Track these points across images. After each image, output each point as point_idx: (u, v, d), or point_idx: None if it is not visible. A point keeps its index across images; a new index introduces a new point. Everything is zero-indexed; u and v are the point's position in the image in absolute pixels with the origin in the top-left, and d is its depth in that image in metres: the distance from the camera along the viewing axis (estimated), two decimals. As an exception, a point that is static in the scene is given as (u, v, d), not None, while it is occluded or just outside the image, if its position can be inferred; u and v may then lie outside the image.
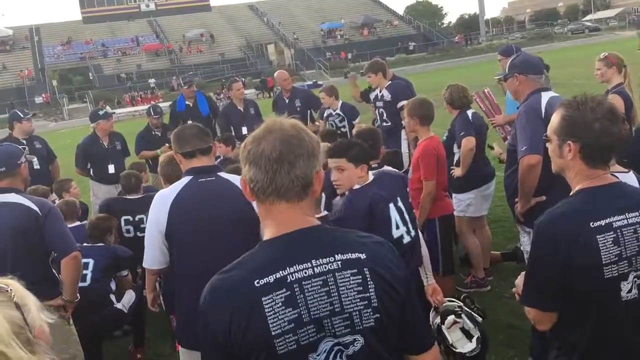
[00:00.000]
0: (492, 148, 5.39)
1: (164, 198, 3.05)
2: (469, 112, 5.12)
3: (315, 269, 1.52)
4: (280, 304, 1.48)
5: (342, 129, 7.46)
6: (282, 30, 65.31)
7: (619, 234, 2.01)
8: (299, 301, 1.49)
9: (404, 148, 6.42)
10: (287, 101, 8.12)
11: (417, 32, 67.50)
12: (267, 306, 1.47)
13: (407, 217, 3.34)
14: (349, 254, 1.55)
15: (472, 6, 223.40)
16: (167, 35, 64.57)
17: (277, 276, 1.50)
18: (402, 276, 1.62)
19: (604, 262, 2.00)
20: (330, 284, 1.51)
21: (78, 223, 5.10)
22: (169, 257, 3.07)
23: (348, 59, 57.91)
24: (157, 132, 7.84)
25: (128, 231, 5.35)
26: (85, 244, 4.60)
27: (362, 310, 1.52)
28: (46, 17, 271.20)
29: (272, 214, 1.59)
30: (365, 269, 1.54)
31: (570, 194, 2.20)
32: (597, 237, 2.00)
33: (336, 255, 1.54)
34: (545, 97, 3.76)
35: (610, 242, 2.00)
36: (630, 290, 2.04)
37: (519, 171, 3.69)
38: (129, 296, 4.73)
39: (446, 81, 5.57)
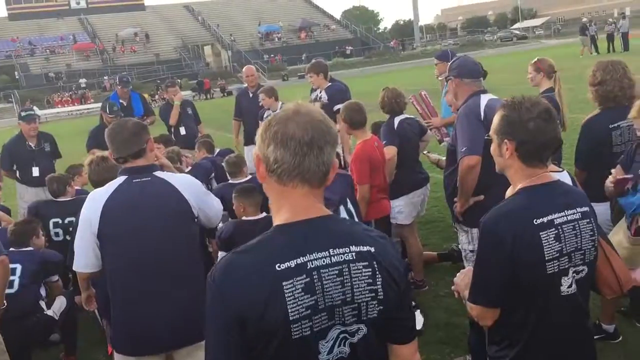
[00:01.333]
0: (427, 155, 5.42)
1: (96, 198, 2.94)
2: (397, 119, 5.12)
3: (332, 258, 1.54)
4: (300, 289, 1.49)
5: None
6: (219, 31, 64.61)
7: (560, 230, 2.08)
8: (316, 288, 1.51)
9: (339, 150, 6.44)
10: (251, 96, 8.03)
11: (354, 37, 68.31)
12: (287, 291, 1.48)
13: (356, 218, 3.32)
14: (362, 247, 1.58)
15: (406, 12, 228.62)
16: (99, 34, 62.63)
17: (298, 262, 1.51)
18: (402, 270, 1.66)
19: (546, 258, 2.06)
20: (345, 274, 1.54)
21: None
22: (101, 260, 2.96)
23: (284, 61, 57.94)
24: None
25: (57, 234, 5.15)
26: (12, 249, 4.38)
27: (369, 302, 1.56)
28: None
29: (290, 197, 1.58)
30: (374, 262, 1.58)
31: (511, 192, 2.26)
32: (540, 233, 2.06)
33: (351, 247, 1.57)
34: (484, 99, 3.84)
35: (552, 238, 2.06)
36: (570, 285, 2.12)
37: (459, 171, 3.76)
38: (60, 302, 4.53)
39: (383, 85, 5.61)
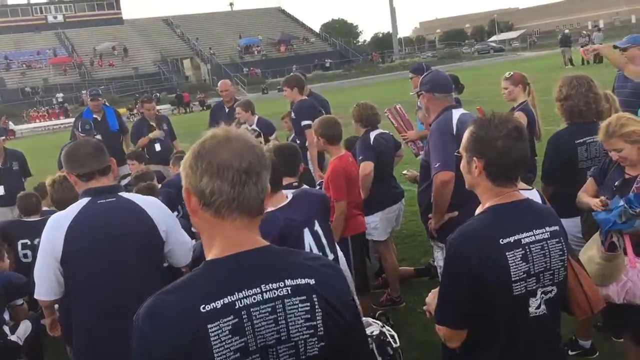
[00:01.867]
0: (404, 174, 5.35)
1: (59, 221, 2.82)
2: (373, 134, 5.05)
3: (264, 294, 1.43)
4: (227, 332, 1.38)
5: None
6: (199, 45, 64.50)
7: (527, 250, 2.02)
8: (246, 329, 1.40)
9: (310, 166, 6.37)
10: (227, 111, 7.90)
11: (333, 50, 68.74)
12: (213, 334, 1.37)
13: (324, 241, 3.20)
14: (299, 280, 1.47)
15: (385, 25, 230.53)
16: (76, 49, 62.17)
17: (224, 301, 1.39)
18: (349, 301, 1.56)
19: (512, 279, 2.00)
20: (278, 311, 1.43)
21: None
22: (63, 286, 2.83)
23: (264, 74, 57.95)
24: None
25: (26, 256, 4.97)
26: (-24, 272, 4.23)
27: (307, 339, 1.45)
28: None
29: (224, 230, 1.47)
30: (314, 296, 1.47)
31: (480, 210, 2.21)
32: (507, 254, 2.00)
33: (286, 281, 1.46)
34: (456, 114, 3.82)
35: (519, 258, 2.01)
36: (538, 307, 2.06)
37: (433, 188, 3.72)
38: (25, 327, 4.37)
39: (362, 98, 5.57)
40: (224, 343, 1.37)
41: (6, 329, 4.28)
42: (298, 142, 6.49)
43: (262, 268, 1.47)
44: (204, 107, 41.93)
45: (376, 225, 5.09)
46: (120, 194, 2.95)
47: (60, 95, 50.79)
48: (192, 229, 3.48)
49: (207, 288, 1.42)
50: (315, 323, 1.46)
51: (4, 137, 6.82)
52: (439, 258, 4.02)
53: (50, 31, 65.68)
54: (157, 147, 7.94)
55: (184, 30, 67.99)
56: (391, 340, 3.15)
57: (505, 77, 5.14)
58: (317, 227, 3.14)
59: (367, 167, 4.85)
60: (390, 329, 3.35)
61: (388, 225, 5.22)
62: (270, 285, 1.44)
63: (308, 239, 3.12)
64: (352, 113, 5.21)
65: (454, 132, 3.75)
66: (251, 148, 1.48)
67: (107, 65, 59.91)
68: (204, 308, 1.38)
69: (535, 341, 2.08)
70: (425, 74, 4.15)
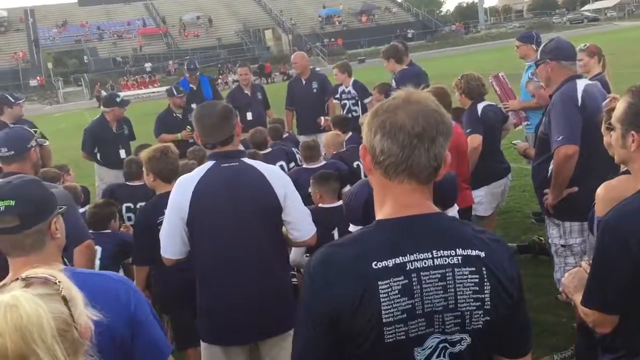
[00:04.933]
0: (514, 145, 5.18)
1: (185, 183, 2.91)
2: (480, 106, 4.90)
3: (435, 260, 1.42)
4: (396, 291, 1.38)
5: (354, 113, 7.31)
6: (280, 15, 64.76)
7: None
8: (415, 291, 1.40)
9: None
10: (304, 83, 7.92)
11: (416, 20, 67.11)
12: (382, 291, 1.38)
13: None
14: (469, 250, 1.44)
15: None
16: (164, 19, 63.91)
17: (396, 261, 1.40)
18: (516, 277, 1.50)
19: None
20: (448, 278, 1.42)
21: (81, 210, 4.93)
22: (189, 246, 2.93)
23: (344, 45, 57.54)
24: (177, 114, 7.59)
25: (130, 219, 5.18)
26: (92, 231, 4.44)
27: (473, 311, 1.43)
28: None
29: (394, 192, 1.47)
30: (483, 269, 1.44)
31: (632, 186, 2.06)
32: None
33: (458, 250, 1.43)
34: (581, 84, 3.62)
35: None
36: None
37: (554, 161, 3.55)
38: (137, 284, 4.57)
39: (449, 69, 5.41)
40: (392, 301, 1.38)
41: (122, 285, 4.49)
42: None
43: (434, 234, 1.45)
44: (285, 78, 42.31)
45: (481, 200, 4.95)
46: (242, 159, 3.01)
47: (148, 64, 52.58)
48: None
49: (379, 246, 1.42)
50: (482, 296, 1.43)
51: (114, 108, 7.06)
52: (554, 235, 3.84)
53: (140, 2, 67.80)
54: (249, 115, 7.99)
55: (266, 0, 68.36)
56: None
57: (580, 49, 4.98)
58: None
59: (475, 140, 4.71)
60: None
61: (493, 201, 5.07)
62: (441, 252, 1.42)
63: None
64: (455, 85, 5.05)
65: (579, 103, 3.56)
66: (430, 112, 1.43)
67: (193, 36, 61.27)
68: (375, 265, 1.39)
69: None
70: (548, 41, 3.92)
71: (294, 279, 3.81)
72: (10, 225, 1.73)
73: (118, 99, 7.16)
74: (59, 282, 1.25)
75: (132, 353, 1.69)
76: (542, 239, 5.41)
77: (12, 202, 1.74)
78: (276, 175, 2.99)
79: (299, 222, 2.99)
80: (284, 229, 3.02)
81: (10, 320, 1.11)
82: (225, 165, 2.92)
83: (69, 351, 1.18)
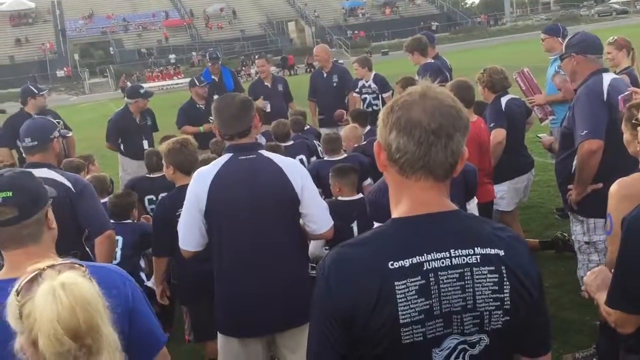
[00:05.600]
0: (539, 138, 5.10)
1: (204, 175, 2.92)
2: (504, 100, 4.83)
3: (453, 259, 1.39)
4: (413, 291, 1.36)
5: (374, 107, 7.26)
6: (304, 7, 64.61)
7: None
8: (432, 292, 1.37)
9: None
10: (325, 76, 7.95)
11: (440, 12, 66.39)
12: (399, 292, 1.36)
13: None
14: (488, 249, 1.41)
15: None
16: (188, 11, 64.22)
17: (413, 261, 1.38)
18: (536, 276, 1.47)
19: None
20: (466, 278, 1.39)
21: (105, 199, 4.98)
22: (207, 238, 2.94)
23: (368, 37, 57.23)
24: (200, 105, 7.60)
25: (152, 211, 5.23)
26: (113, 221, 4.49)
27: (492, 311, 1.40)
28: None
29: (410, 190, 1.44)
30: (502, 267, 1.41)
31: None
32: None
33: (476, 249, 1.41)
34: (607, 78, 3.54)
35: None
36: None
37: (578, 157, 3.49)
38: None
39: (470, 62, 5.34)
40: (409, 302, 1.36)
41: (143, 275, 4.54)
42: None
43: (451, 232, 1.42)
44: (308, 70, 42.25)
45: (503, 194, 4.89)
46: (260, 151, 3.01)
47: (172, 56, 52.91)
48: None
49: (396, 245, 1.40)
50: (502, 296, 1.40)
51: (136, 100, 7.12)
52: (577, 232, 3.78)
53: (164, -6, 68.23)
54: (268, 107, 7.99)
55: (290, -8, 68.28)
56: None
57: (609, 42, 4.95)
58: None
59: (499, 135, 4.64)
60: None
61: (515, 196, 5.00)
62: (459, 251, 1.39)
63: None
64: (478, 78, 4.98)
65: (605, 97, 3.49)
66: (447, 108, 1.40)
67: (216, 28, 61.48)
68: (392, 264, 1.37)
69: None
70: (573, 34, 3.84)
71: (313, 272, 3.81)
72: (9, 217, 1.74)
73: (142, 91, 7.24)
74: (84, 267, 1.31)
75: (129, 342, 1.70)
76: (565, 235, 5.33)
77: (10, 193, 1.74)
78: (293, 168, 2.99)
79: (316, 215, 2.98)
80: (301, 221, 3.01)
81: (79, 296, 1.22)
82: (243, 157, 2.92)
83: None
